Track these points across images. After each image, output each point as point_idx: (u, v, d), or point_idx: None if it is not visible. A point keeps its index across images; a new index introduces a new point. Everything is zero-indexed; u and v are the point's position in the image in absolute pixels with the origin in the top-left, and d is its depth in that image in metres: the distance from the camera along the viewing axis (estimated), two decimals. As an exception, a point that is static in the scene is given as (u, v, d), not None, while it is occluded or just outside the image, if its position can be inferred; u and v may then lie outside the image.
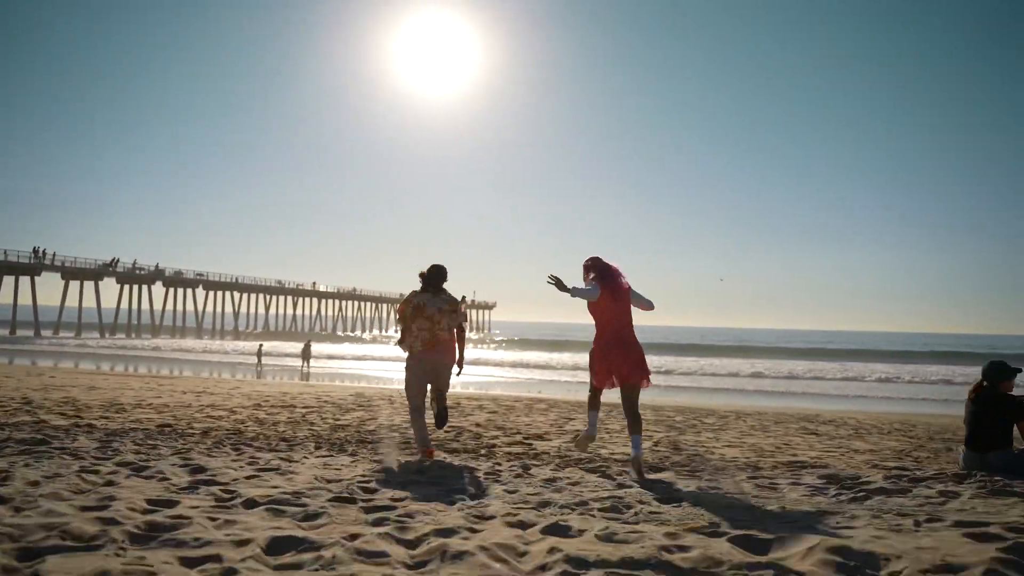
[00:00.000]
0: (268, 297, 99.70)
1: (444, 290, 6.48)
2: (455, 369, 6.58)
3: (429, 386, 6.56)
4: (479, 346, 61.75)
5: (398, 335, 6.62)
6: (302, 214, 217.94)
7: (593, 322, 5.86)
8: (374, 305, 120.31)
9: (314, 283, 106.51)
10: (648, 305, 5.98)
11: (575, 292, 5.54)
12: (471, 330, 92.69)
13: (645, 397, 6.86)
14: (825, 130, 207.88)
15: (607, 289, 5.71)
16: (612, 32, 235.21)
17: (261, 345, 35.18)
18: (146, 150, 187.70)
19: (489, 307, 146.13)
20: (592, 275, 5.85)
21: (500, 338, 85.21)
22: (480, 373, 31.26)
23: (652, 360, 6.71)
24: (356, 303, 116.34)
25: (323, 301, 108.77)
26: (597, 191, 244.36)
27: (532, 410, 12.42)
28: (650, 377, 5.92)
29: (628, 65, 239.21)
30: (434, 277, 6.47)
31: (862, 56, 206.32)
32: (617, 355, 5.74)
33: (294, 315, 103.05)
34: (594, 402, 6.08)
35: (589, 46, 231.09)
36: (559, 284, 5.49)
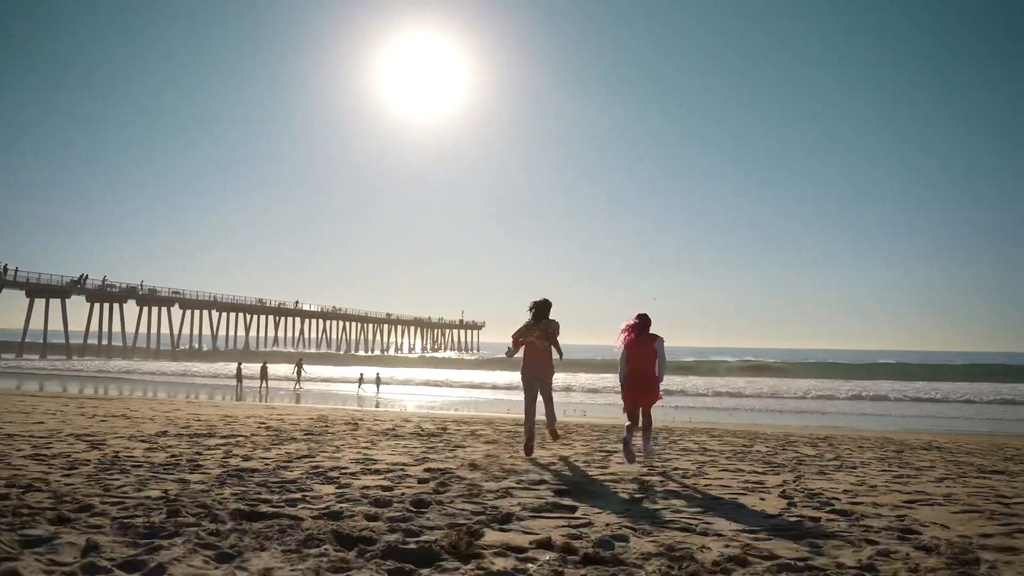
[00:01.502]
0: (248, 317, 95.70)
1: (548, 317, 8.22)
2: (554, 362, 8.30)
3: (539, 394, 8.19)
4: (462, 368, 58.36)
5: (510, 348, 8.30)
6: (285, 235, 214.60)
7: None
8: (359, 325, 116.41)
9: (297, 302, 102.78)
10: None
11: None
12: (461, 351, 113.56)
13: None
14: (823, 134, 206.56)
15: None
16: (599, 52, 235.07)
17: (265, 364, 32.49)
18: (120, 166, 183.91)
19: (478, 327, 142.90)
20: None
21: (472, 357, 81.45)
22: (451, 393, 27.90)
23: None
24: (340, 323, 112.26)
25: (307, 321, 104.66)
26: (589, 210, 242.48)
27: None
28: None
29: (618, 83, 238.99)
30: (540, 309, 8.22)
31: (859, 65, 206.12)
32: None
33: (275, 336, 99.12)
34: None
35: (576, 67, 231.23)
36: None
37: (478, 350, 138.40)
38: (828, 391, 31.58)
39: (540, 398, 8.18)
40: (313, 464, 6.59)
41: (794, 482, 6.34)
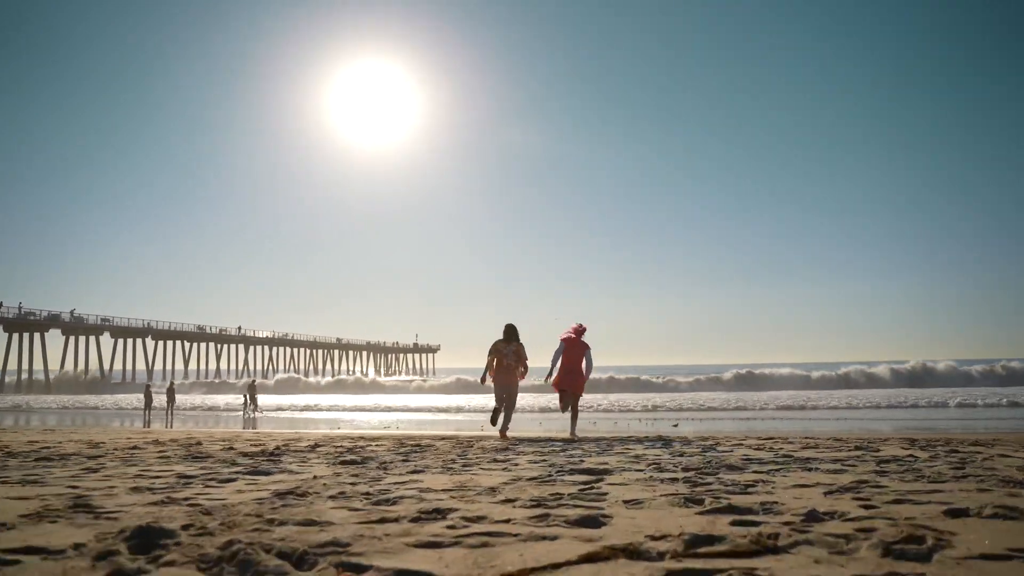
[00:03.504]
0: (188, 345, 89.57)
1: (516, 339, 10.93)
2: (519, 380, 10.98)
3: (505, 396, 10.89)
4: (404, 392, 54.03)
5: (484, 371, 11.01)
6: (231, 261, 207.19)
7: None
8: (309, 351, 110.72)
9: (240, 328, 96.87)
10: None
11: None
12: (418, 374, 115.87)
13: None
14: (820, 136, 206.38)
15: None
16: (556, 77, 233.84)
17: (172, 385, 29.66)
18: (49, 191, 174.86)
19: (432, 350, 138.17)
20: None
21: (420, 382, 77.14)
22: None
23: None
24: (289, 350, 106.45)
25: (251, 348, 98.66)
26: (547, 233, 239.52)
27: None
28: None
29: (574, 109, 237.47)
30: (509, 332, 10.90)
31: (819, 73, 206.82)
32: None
33: (217, 367, 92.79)
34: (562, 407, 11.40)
35: (531, 93, 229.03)
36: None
37: (433, 374, 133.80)
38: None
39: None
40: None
41: None
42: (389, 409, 30.50)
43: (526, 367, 10.82)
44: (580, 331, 11.03)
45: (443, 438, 10.20)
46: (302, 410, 31.87)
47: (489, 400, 21.69)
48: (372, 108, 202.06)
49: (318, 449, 8.14)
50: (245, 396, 30.88)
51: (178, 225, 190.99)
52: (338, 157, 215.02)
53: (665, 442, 8.73)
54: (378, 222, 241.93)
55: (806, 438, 9.29)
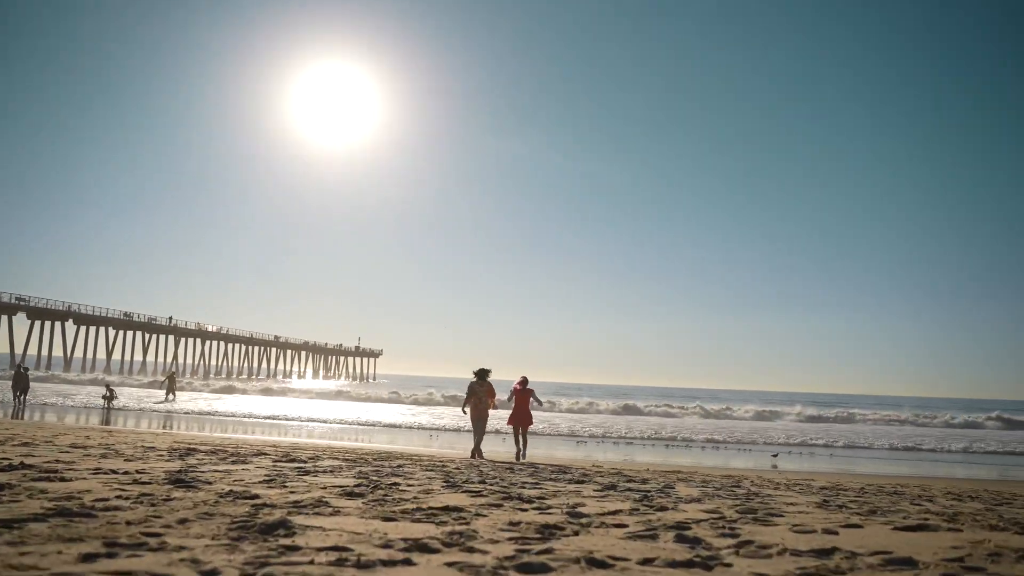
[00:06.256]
0: (113, 333, 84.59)
1: (486, 379, 14.32)
2: (491, 412, 14.63)
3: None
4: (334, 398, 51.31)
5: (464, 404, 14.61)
6: (166, 250, 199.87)
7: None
8: (244, 348, 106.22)
9: (171, 318, 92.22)
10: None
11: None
12: (355, 379, 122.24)
13: None
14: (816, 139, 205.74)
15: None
16: (516, 87, 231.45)
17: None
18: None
19: (375, 355, 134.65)
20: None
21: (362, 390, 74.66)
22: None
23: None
24: (222, 343, 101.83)
25: (181, 340, 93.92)
26: (497, 244, 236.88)
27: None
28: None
29: (537, 117, 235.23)
30: (481, 373, 14.28)
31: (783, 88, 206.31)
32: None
33: (144, 358, 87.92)
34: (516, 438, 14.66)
35: (493, 102, 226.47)
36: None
37: (374, 379, 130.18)
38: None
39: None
40: None
41: None
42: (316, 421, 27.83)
43: (495, 404, 14.49)
44: (524, 382, 14.84)
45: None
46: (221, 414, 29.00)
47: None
48: (332, 108, 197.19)
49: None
50: (165, 384, 32.39)
51: (111, 207, 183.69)
52: (294, 154, 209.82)
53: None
54: (330, 223, 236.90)
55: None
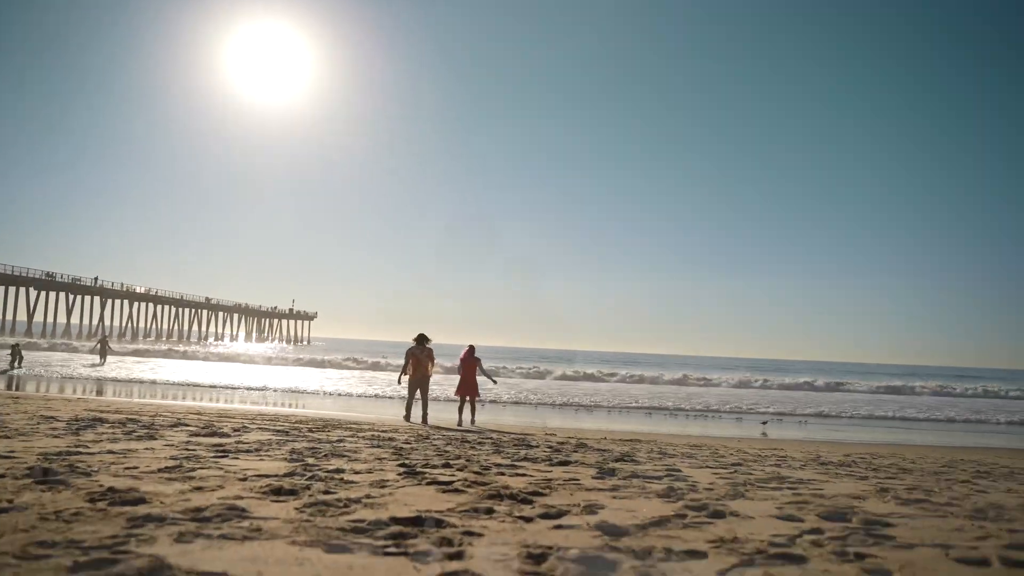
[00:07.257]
0: (34, 294, 79.63)
1: (426, 344, 13.98)
2: (432, 378, 14.32)
3: (419, 391, 14.00)
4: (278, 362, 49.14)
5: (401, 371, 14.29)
6: (92, 207, 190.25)
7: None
8: (173, 310, 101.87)
9: (96, 278, 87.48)
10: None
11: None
12: (290, 342, 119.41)
13: None
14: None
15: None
16: (457, 42, 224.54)
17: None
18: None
19: (310, 317, 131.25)
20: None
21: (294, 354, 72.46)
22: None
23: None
24: (150, 305, 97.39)
25: (107, 302, 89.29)
26: (439, 209, 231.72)
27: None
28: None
29: (480, 73, 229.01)
30: (421, 338, 13.90)
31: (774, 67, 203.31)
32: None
33: (68, 321, 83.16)
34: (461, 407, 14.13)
35: (434, 58, 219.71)
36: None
37: (309, 342, 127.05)
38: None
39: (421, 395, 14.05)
40: None
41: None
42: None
43: (434, 363, 14.28)
44: (471, 351, 14.60)
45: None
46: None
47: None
48: (268, 67, 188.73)
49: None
50: (97, 347, 32.51)
51: (33, 165, 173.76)
52: (228, 113, 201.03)
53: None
54: (265, 184, 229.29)
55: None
